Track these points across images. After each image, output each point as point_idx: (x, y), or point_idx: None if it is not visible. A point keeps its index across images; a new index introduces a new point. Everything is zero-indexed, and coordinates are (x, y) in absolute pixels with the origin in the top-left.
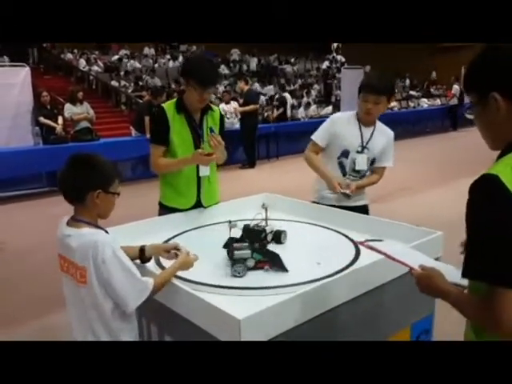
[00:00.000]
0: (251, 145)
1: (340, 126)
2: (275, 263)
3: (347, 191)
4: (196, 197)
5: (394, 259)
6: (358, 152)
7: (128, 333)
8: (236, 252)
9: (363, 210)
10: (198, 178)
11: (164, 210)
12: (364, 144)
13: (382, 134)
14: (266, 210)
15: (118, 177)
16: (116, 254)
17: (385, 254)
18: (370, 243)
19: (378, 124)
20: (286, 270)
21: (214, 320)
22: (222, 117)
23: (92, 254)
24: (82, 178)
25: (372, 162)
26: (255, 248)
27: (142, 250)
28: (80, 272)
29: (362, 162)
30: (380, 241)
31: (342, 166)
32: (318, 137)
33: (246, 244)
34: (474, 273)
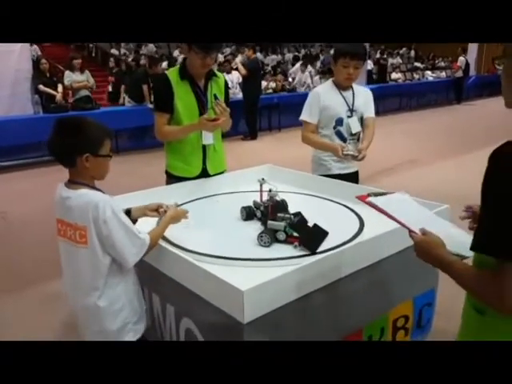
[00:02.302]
0: (253, 116)
1: (325, 98)
2: (303, 241)
3: (350, 152)
4: (202, 164)
5: (393, 219)
6: (348, 117)
7: (125, 286)
8: (269, 222)
9: (355, 176)
10: (204, 146)
11: (171, 178)
12: (351, 107)
13: (360, 93)
14: (261, 185)
15: (107, 138)
16: (115, 213)
17: (384, 212)
18: (371, 199)
19: (354, 85)
20: (312, 252)
21: (217, 291)
22: (226, 83)
23: (92, 214)
24: (68, 143)
25: (361, 120)
26: (292, 223)
27: (127, 212)
28: (80, 232)
29: (355, 125)
30: (384, 194)
31: (339, 134)
32: (308, 116)
33: (288, 216)
34: (484, 246)
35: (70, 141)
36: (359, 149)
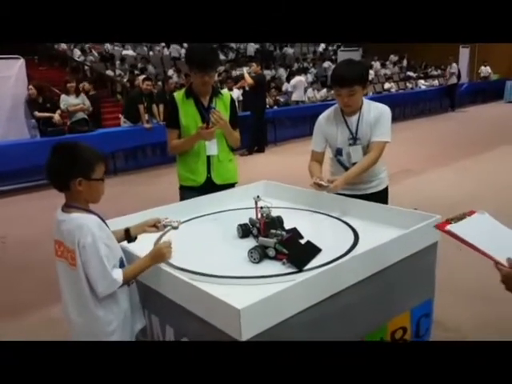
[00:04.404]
0: (260, 129)
1: (326, 127)
2: (291, 258)
3: (321, 182)
4: (206, 173)
5: (476, 249)
6: (350, 145)
7: (115, 310)
8: (260, 238)
9: (381, 194)
10: (208, 157)
11: (181, 190)
12: (354, 135)
13: (369, 116)
14: (256, 202)
15: (100, 162)
16: (95, 242)
17: (466, 242)
18: (450, 228)
19: (365, 106)
20: (299, 269)
21: (214, 310)
22: (232, 100)
23: (77, 238)
24: (62, 167)
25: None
26: (282, 240)
27: (127, 230)
28: (71, 255)
29: (356, 154)
30: (463, 216)
31: (341, 164)
32: (313, 144)
33: (280, 232)
34: None
35: (63, 166)
36: (331, 179)
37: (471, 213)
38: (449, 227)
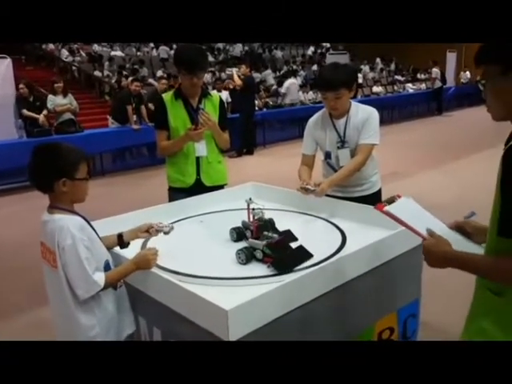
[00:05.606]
0: (250, 130)
1: (315, 130)
2: (275, 262)
3: (307, 186)
4: (196, 175)
5: (408, 227)
6: (338, 148)
7: (99, 315)
8: (250, 240)
9: (374, 197)
10: (198, 158)
11: (170, 191)
12: (342, 138)
13: (356, 119)
14: (249, 205)
15: (83, 161)
16: (75, 245)
17: (400, 221)
18: (388, 208)
19: (353, 109)
20: (283, 272)
21: (201, 311)
22: (221, 102)
23: (57, 239)
24: (45, 168)
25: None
26: (270, 243)
27: (119, 236)
28: (52, 256)
29: (344, 157)
30: (393, 199)
31: (331, 167)
32: (303, 148)
33: (271, 235)
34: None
35: (46, 167)
36: (318, 183)
37: (399, 196)
38: (386, 208)
